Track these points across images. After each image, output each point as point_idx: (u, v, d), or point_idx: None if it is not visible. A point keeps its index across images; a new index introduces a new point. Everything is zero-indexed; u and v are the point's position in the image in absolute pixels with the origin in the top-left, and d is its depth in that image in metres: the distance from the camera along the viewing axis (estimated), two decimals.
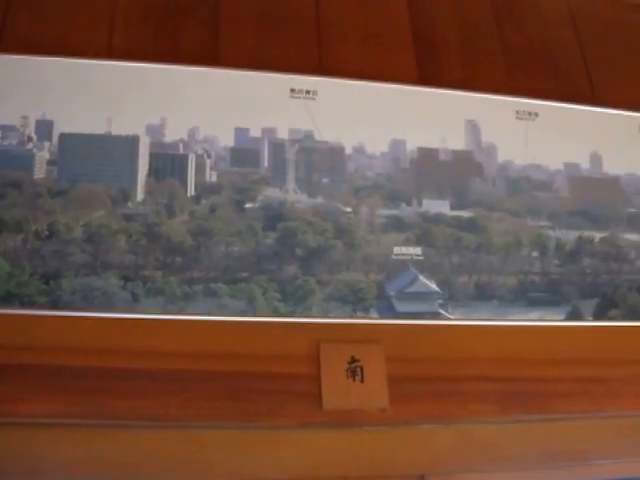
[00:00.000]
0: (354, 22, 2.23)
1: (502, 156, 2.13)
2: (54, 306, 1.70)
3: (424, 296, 1.92)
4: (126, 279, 1.73)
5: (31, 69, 1.90)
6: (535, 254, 2.07)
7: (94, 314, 1.74)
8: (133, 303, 1.71)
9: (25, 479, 1.63)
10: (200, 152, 1.90)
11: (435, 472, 1.81)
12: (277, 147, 1.94)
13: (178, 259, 1.78)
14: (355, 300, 1.84)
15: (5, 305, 1.68)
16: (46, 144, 1.84)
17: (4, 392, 1.63)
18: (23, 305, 1.68)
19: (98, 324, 1.74)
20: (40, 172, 1.82)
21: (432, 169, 2.05)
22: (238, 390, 1.72)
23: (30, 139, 1.85)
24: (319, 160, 1.96)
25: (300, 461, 1.72)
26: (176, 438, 1.67)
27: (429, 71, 2.22)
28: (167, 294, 1.74)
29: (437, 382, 1.85)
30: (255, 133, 1.95)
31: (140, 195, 1.81)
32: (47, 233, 1.75)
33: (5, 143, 1.84)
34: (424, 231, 1.96)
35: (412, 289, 1.91)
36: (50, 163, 1.83)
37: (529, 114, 2.19)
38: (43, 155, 1.83)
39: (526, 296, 2.02)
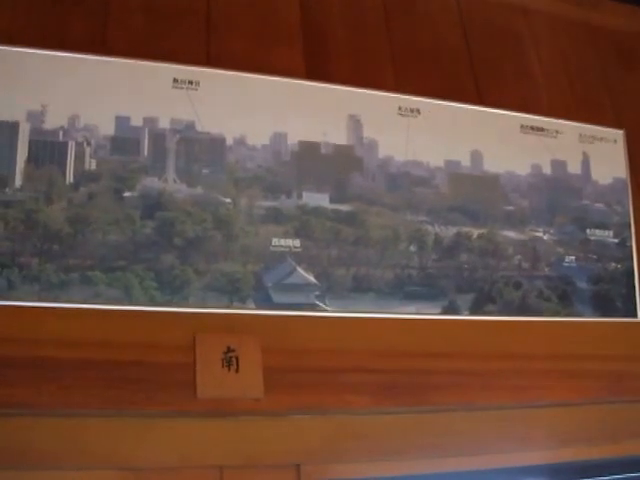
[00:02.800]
0: (244, 15, 2.24)
1: (383, 152, 2.17)
2: None
3: (301, 288, 1.94)
4: (2, 266, 1.71)
5: None
6: (413, 248, 2.12)
7: None
8: (8, 290, 1.70)
9: None
10: (80, 140, 1.89)
11: (310, 461, 1.83)
12: (158, 137, 1.95)
13: (55, 246, 1.77)
14: (232, 290, 1.85)
15: None
16: None
17: None
18: None
19: None
20: None
21: (313, 163, 2.08)
22: (112, 378, 1.72)
23: None
24: (200, 151, 1.96)
25: (174, 450, 1.73)
26: (50, 426, 1.65)
27: (317, 66, 2.25)
28: (43, 281, 1.73)
29: (313, 373, 1.87)
30: (136, 122, 1.94)
31: (18, 182, 1.80)
32: None
33: None
34: (303, 223, 1.99)
35: (289, 280, 1.93)
36: None
37: (411, 111, 2.23)
38: None
39: (403, 290, 2.07)
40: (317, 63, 2.25)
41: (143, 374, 1.73)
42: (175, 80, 1.99)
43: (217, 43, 2.15)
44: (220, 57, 2.13)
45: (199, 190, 1.92)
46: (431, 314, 2.06)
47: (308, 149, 2.07)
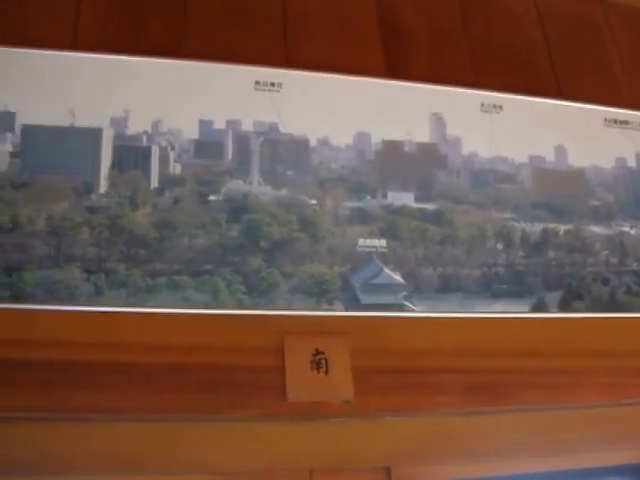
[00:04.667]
0: (321, 15, 2.22)
1: (467, 148, 2.14)
2: (16, 299, 1.68)
3: (389, 288, 1.92)
4: (89, 272, 1.71)
5: None
6: (500, 246, 2.08)
7: (57, 307, 1.71)
8: (96, 296, 1.70)
9: None
10: (164, 144, 1.89)
11: (401, 464, 1.81)
12: (241, 139, 1.94)
13: (141, 251, 1.77)
14: (320, 292, 1.83)
15: None
16: (8, 136, 1.83)
17: None
18: None
19: (61, 317, 1.72)
20: (2, 164, 1.80)
21: (397, 161, 2.05)
22: (202, 382, 1.71)
23: None
24: (284, 152, 1.95)
25: (264, 454, 1.72)
26: (140, 431, 1.65)
27: (396, 64, 2.23)
28: (130, 286, 1.72)
29: (402, 374, 1.84)
30: (219, 125, 1.94)
31: (103, 187, 1.80)
32: (9, 226, 1.74)
33: None
34: (389, 223, 1.96)
35: (377, 281, 1.91)
36: (13, 155, 1.81)
37: (494, 107, 2.20)
38: (5, 147, 1.82)
39: (490, 288, 2.02)
40: (396, 62, 2.23)
41: (232, 378, 1.72)
42: (257, 82, 1.98)
43: (295, 45, 2.14)
44: (299, 58, 2.12)
45: (284, 192, 1.90)
46: (519, 312, 2.00)
47: (391, 148, 2.04)
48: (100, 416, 1.64)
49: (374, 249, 1.93)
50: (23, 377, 1.63)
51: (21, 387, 1.62)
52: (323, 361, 1.76)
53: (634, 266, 2.24)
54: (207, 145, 1.92)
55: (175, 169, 1.88)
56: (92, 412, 1.63)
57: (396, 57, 2.24)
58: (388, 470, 1.79)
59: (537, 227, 2.15)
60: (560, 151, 2.24)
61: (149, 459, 1.65)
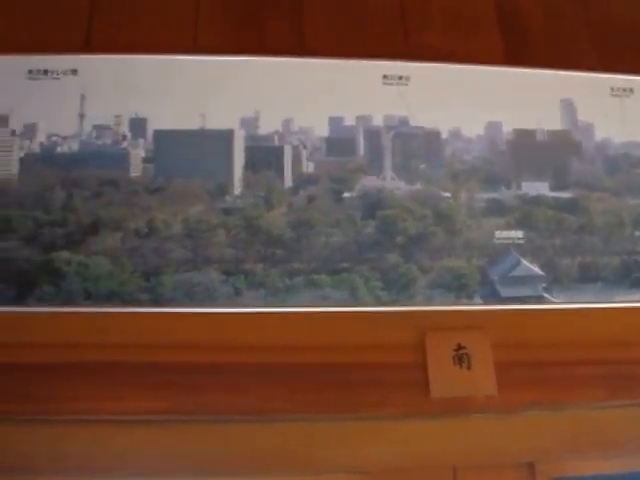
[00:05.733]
0: (438, 7, 2.19)
1: (599, 134, 2.08)
2: (156, 303, 1.70)
3: (528, 280, 1.88)
4: (227, 273, 1.72)
5: (121, 68, 1.90)
6: (638, 233, 2.02)
7: (196, 309, 1.72)
8: (235, 297, 1.70)
9: (110, 477, 1.61)
10: (295, 143, 1.89)
11: (545, 459, 1.79)
12: (372, 134, 1.92)
13: (278, 251, 1.77)
14: (458, 286, 1.81)
15: (107, 304, 1.68)
16: (140, 142, 1.84)
17: (90, 390, 1.63)
18: (124, 303, 1.69)
19: (200, 319, 1.73)
20: (136, 170, 1.82)
21: (529, 150, 2.02)
22: (343, 381, 1.71)
23: (124, 137, 1.86)
24: (415, 146, 1.93)
25: (406, 451, 1.71)
26: (281, 432, 1.66)
27: (516, 52, 2.20)
28: (268, 287, 1.73)
29: (544, 367, 1.82)
30: (349, 121, 1.93)
31: (237, 189, 1.81)
32: (146, 230, 1.76)
33: (100, 142, 1.85)
34: (525, 214, 1.93)
35: (515, 273, 1.88)
36: (145, 160, 1.83)
37: (624, 90, 2.14)
38: (138, 153, 1.84)
39: (630, 277, 1.97)
40: (515, 49, 2.21)
41: (372, 376, 1.72)
42: (385, 76, 1.96)
43: (414, 35, 2.13)
44: (419, 49, 2.11)
45: (418, 186, 1.89)
46: None
47: (523, 137, 2.01)
48: (242, 417, 1.64)
49: (511, 241, 1.90)
50: (170, 379, 1.64)
51: (168, 389, 1.63)
52: (465, 356, 1.74)
53: None
54: (338, 142, 1.91)
55: (308, 167, 1.87)
56: (235, 414, 1.63)
57: (515, 44, 2.21)
58: (532, 466, 1.77)
59: None
60: None
61: (289, 459, 1.65)
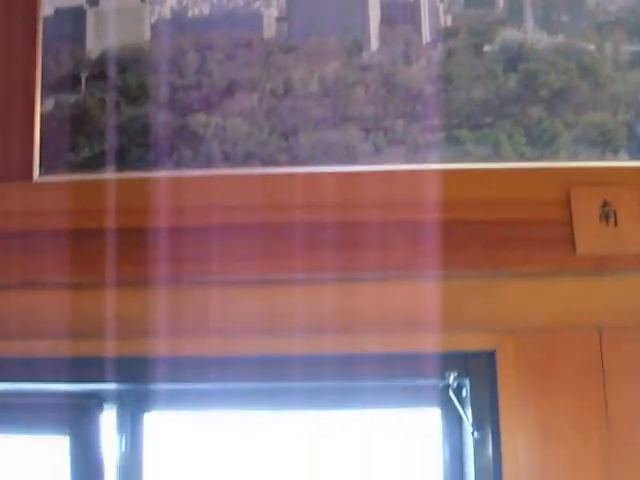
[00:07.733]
0: None
1: None
2: (294, 162, 1.67)
3: None
4: (367, 130, 1.68)
5: None
6: None
7: (336, 168, 1.68)
8: (375, 154, 1.67)
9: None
10: None
11: None
12: None
13: (418, 107, 1.72)
14: (604, 142, 1.75)
15: (245, 164, 1.65)
16: (273, 1, 1.79)
17: (210, 253, 1.60)
18: (264, 163, 1.66)
19: (339, 179, 1.69)
20: (269, 30, 1.77)
21: None
22: (488, 237, 1.63)
23: None
24: None
25: (551, 311, 1.64)
26: (425, 289, 1.62)
27: None
28: (409, 143, 1.68)
29: None
30: None
31: (374, 45, 1.75)
32: (282, 90, 1.71)
33: (231, 5, 1.80)
34: None
35: None
36: (279, 20, 1.78)
37: None
38: (271, 12, 1.79)
39: None
40: None
41: (518, 232, 1.64)
42: None
43: None
44: None
45: (560, 38, 1.81)
46: None
47: None
48: (393, 273, 1.61)
49: None
50: (320, 238, 1.60)
51: (318, 247, 1.60)
52: (612, 212, 1.67)
53: None
54: None
55: (446, 21, 1.81)
56: (386, 270, 1.60)
57: None
58: None
59: None
60: None
61: (431, 315, 1.61)
